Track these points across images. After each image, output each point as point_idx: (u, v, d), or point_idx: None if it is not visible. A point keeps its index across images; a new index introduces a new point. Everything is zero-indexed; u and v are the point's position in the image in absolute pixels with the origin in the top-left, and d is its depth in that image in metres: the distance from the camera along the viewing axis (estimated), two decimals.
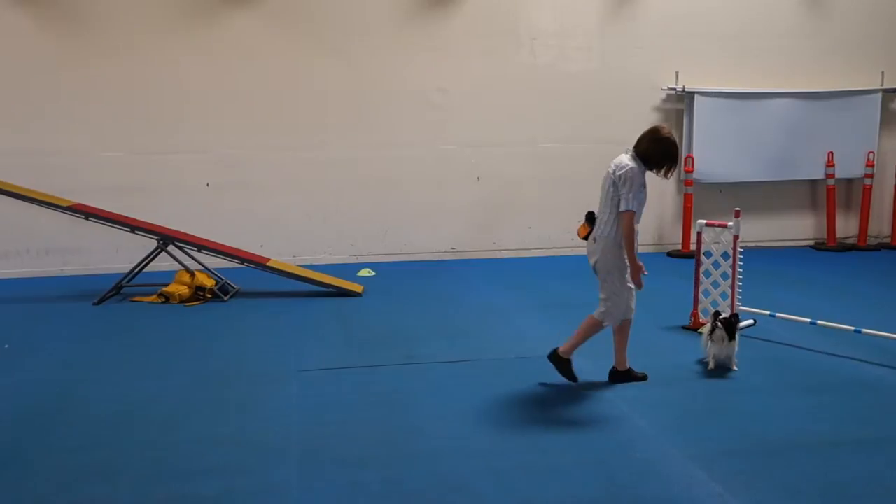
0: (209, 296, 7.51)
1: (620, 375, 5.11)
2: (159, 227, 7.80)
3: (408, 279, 8.52)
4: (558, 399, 4.86)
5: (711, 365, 5.33)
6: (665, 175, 4.88)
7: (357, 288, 7.79)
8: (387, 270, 8.92)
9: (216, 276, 7.77)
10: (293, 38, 8.98)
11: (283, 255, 8.91)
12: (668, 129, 4.84)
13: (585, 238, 5.01)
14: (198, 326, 6.66)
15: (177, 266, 7.75)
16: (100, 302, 7.42)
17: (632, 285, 4.86)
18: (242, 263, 7.91)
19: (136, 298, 7.55)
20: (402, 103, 9.30)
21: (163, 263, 7.86)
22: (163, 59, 8.71)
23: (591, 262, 4.95)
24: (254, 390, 5.04)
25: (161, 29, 8.67)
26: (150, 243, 7.78)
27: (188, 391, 5.03)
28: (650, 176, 4.87)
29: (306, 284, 7.81)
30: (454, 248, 9.68)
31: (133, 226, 7.63)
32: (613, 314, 4.92)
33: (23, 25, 8.44)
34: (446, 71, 9.34)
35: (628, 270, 4.84)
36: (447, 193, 9.55)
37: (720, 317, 5.31)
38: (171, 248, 7.67)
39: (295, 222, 9.26)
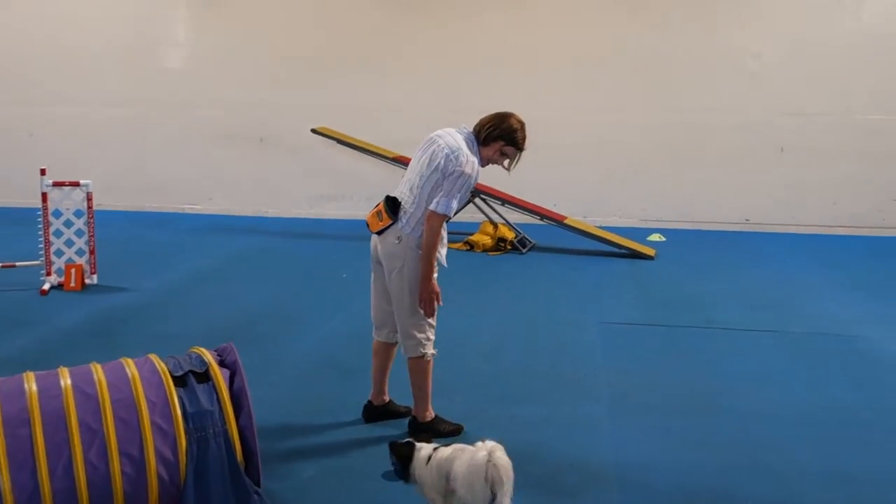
0: (509, 247, 8.05)
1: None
2: None
3: (700, 247, 8.46)
4: (872, 379, 4.67)
5: None
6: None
7: (650, 251, 7.89)
8: (677, 237, 8.89)
9: (516, 229, 8.27)
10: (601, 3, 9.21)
11: (574, 214, 9.21)
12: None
13: (379, 233, 3.69)
14: (502, 274, 7.22)
15: (480, 217, 8.37)
16: None
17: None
18: (541, 220, 8.34)
19: None
20: (710, 68, 9.14)
21: (466, 214, 8.51)
22: (481, 21, 9.39)
23: (393, 267, 3.65)
24: (560, 335, 5.42)
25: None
26: None
27: (502, 329, 5.54)
28: None
29: (599, 244, 8.06)
30: (748, 220, 9.39)
31: None
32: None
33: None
34: (763, 35, 9.03)
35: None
36: (746, 162, 9.26)
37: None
38: (477, 200, 8.30)
39: (588, 183, 9.52)
